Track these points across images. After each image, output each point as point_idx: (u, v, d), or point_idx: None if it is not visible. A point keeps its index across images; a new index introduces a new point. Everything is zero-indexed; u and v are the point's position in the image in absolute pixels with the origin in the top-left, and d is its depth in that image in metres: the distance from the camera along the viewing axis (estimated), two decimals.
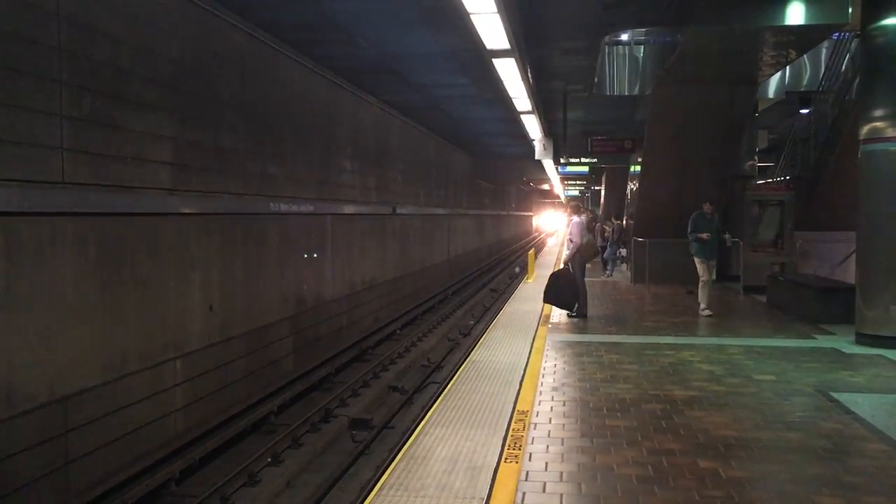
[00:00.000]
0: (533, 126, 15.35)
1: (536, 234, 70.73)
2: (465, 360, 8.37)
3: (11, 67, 5.77)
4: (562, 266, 11.13)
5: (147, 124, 7.56)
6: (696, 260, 11.59)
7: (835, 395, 6.43)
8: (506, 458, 4.80)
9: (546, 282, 10.97)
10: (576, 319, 10.79)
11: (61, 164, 6.28)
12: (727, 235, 12.38)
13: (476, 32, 7.21)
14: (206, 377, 8.69)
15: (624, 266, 19.69)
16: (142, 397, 7.41)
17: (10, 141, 5.75)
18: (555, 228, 70.94)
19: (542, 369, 7.45)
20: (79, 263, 6.50)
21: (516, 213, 53.55)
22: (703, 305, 11.41)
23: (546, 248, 33.61)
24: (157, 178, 7.72)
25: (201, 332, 8.63)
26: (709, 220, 11.59)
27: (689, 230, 11.56)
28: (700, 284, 11.55)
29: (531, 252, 19.99)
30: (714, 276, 11.71)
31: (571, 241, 11.24)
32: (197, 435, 8.11)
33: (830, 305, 10.35)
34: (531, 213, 68.73)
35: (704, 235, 11.40)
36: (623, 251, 20.77)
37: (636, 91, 14.77)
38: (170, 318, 7.97)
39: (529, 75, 11.10)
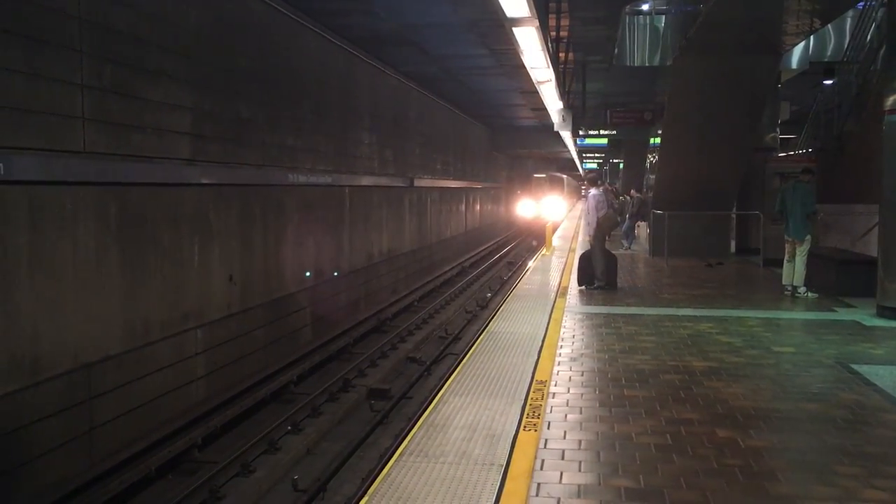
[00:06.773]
0: (552, 97, 15.18)
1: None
2: (482, 331, 8.38)
3: (34, 37, 5.78)
4: (589, 243, 11.11)
5: (166, 94, 7.57)
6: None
7: (855, 366, 6.38)
8: (524, 427, 4.82)
9: (578, 262, 11.06)
10: (595, 291, 10.73)
11: (83, 133, 6.32)
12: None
13: (496, 0, 7.10)
14: (226, 346, 8.79)
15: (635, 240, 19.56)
16: (163, 365, 7.52)
17: (32, 110, 5.79)
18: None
19: (560, 340, 7.45)
20: (100, 233, 6.57)
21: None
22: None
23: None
24: (176, 148, 7.75)
25: (221, 302, 8.71)
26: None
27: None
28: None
29: (549, 225, 19.89)
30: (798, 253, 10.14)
31: (589, 213, 11.18)
32: (218, 403, 8.23)
33: (851, 278, 10.24)
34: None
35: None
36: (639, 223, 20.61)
37: (656, 62, 14.59)
38: (190, 288, 8.04)
39: (549, 45, 10.96)
